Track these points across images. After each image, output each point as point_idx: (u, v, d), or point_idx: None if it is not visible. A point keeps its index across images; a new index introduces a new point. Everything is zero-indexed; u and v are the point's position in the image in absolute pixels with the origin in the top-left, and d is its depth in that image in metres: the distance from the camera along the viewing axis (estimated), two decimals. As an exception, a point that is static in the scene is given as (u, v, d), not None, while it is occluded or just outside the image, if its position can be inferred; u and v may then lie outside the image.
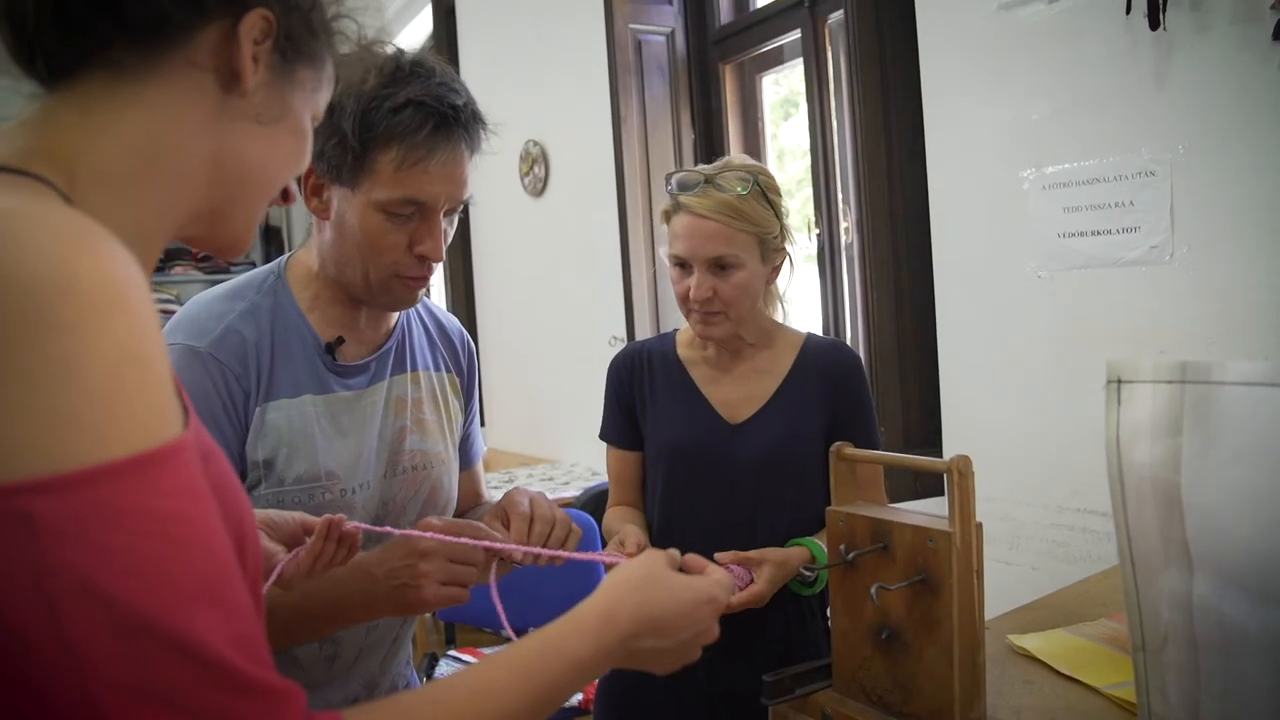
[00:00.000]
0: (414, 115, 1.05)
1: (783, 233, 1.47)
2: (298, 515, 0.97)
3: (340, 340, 1.16)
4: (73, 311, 0.48)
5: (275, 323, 1.13)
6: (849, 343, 2.69)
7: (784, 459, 1.47)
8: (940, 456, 2.12)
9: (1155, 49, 1.63)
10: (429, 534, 1.02)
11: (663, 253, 1.50)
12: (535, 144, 3.70)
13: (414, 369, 1.25)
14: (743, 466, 1.47)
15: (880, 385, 2.22)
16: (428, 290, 1.22)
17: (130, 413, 0.49)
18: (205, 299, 1.14)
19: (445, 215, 1.13)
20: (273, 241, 7.65)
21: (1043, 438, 1.89)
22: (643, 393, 1.57)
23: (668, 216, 1.48)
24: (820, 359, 1.50)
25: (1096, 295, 1.78)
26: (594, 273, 3.37)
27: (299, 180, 1.10)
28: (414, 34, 4.98)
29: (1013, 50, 1.88)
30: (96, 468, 0.47)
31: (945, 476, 0.97)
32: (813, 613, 1.50)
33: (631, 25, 3.08)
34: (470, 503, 1.41)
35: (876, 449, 1.49)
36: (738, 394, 1.51)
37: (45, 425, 0.47)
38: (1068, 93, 1.79)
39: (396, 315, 1.25)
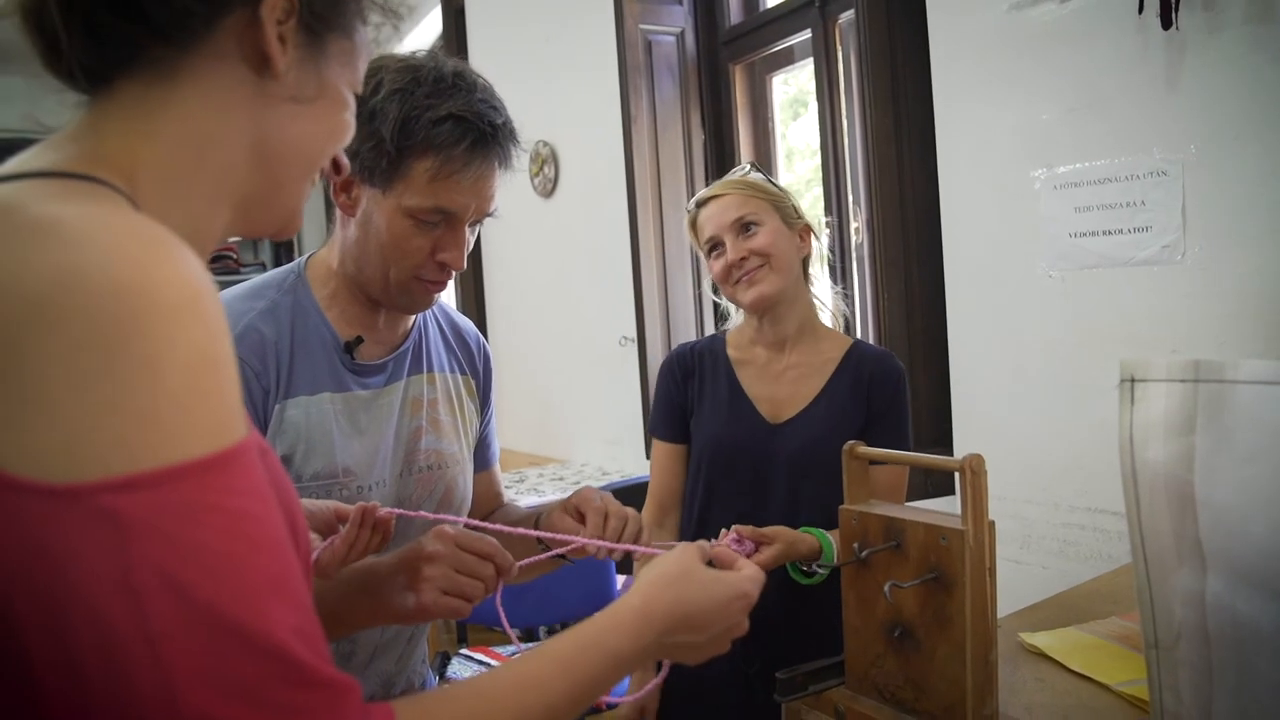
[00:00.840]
0: (454, 129, 1.07)
1: (796, 210, 1.57)
2: (331, 504, 0.97)
3: (359, 339, 1.17)
4: (154, 316, 0.49)
5: (295, 321, 1.14)
6: (859, 342, 2.70)
7: (821, 461, 1.48)
8: (951, 455, 2.11)
9: (1167, 49, 1.63)
10: (461, 520, 1.02)
11: (695, 256, 1.62)
12: (545, 144, 3.70)
13: (430, 370, 1.27)
14: (780, 466, 1.51)
15: (891, 385, 2.21)
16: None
17: (206, 414, 0.51)
18: (226, 297, 1.16)
19: (469, 226, 1.15)
20: (281, 241, 7.70)
21: (1053, 437, 1.89)
22: (696, 389, 1.62)
23: (693, 225, 1.59)
24: (866, 364, 1.54)
25: (1108, 295, 1.78)
26: (604, 273, 3.37)
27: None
28: (423, 34, 5.00)
29: (1024, 50, 1.89)
30: (177, 466, 0.49)
31: (958, 475, 0.98)
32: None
33: (641, 25, 3.08)
34: (491, 504, 1.42)
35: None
36: (782, 394, 1.55)
37: (129, 425, 0.48)
38: (1079, 93, 1.80)
39: (413, 317, 1.26)
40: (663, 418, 1.63)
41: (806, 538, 1.35)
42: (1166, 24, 1.59)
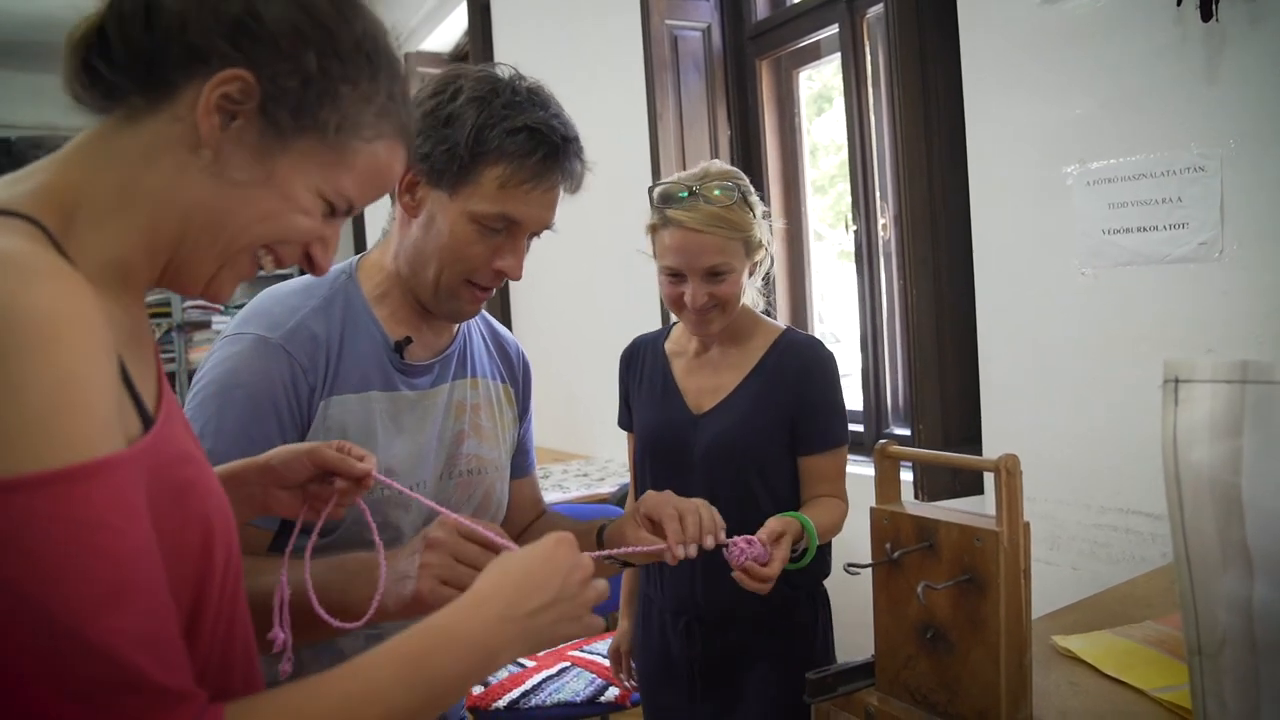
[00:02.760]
0: (529, 141, 1.10)
1: (758, 240, 1.55)
2: (303, 450, 0.94)
3: (408, 340, 1.19)
4: (18, 340, 0.53)
5: (346, 319, 1.16)
6: (888, 339, 2.69)
7: (738, 449, 1.53)
8: (979, 454, 2.10)
9: (1206, 42, 1.60)
10: (454, 517, 1.00)
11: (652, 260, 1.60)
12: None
13: (474, 375, 1.28)
14: (699, 454, 1.56)
15: (919, 382, 2.20)
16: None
17: (64, 430, 0.54)
18: (278, 293, 1.18)
19: (528, 238, 1.18)
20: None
21: (1085, 437, 1.86)
22: (636, 380, 1.70)
23: (655, 230, 1.56)
24: (787, 353, 1.56)
25: (1142, 293, 1.75)
26: (628, 270, 3.36)
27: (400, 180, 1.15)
28: (449, 31, 5.00)
29: (1056, 44, 1.86)
30: (26, 476, 0.52)
31: (993, 475, 0.97)
32: (793, 585, 1.55)
33: (667, 21, 3.07)
34: (532, 510, 1.44)
35: (837, 445, 1.57)
36: (707, 384, 1.60)
37: None
38: (1113, 87, 1.77)
39: (455, 331, 1.28)
40: (621, 409, 1.74)
41: (792, 522, 1.37)
42: (1206, 16, 1.56)
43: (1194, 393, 0.69)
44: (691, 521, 1.16)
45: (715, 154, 3.16)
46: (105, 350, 0.58)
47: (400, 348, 1.18)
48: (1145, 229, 1.73)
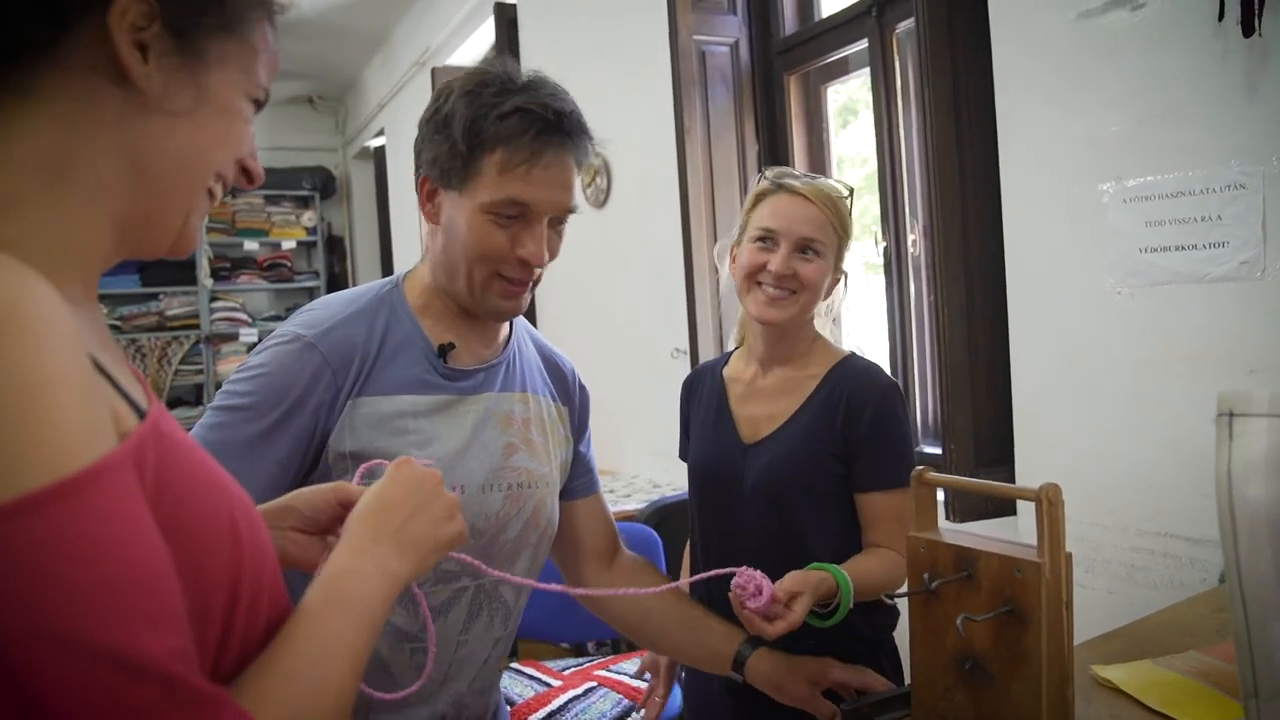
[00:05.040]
0: (520, 121, 1.10)
1: (846, 248, 1.52)
2: (328, 489, 0.90)
3: (451, 345, 1.19)
4: None
5: (389, 325, 1.18)
6: (917, 354, 2.66)
7: (787, 483, 1.43)
8: (1011, 475, 2.08)
9: (1248, 56, 1.57)
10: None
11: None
12: (598, 155, 3.66)
13: (524, 390, 1.28)
14: (749, 487, 1.46)
15: (950, 401, 2.17)
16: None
17: (39, 443, 0.48)
18: (330, 299, 1.22)
19: (552, 225, 1.17)
20: (335, 250, 7.81)
21: (1121, 458, 1.83)
22: (695, 409, 1.62)
23: (759, 199, 1.50)
24: (842, 381, 1.45)
25: (1181, 312, 1.72)
26: (656, 285, 3.36)
27: (418, 188, 1.18)
28: (477, 45, 5.03)
29: (1092, 59, 1.83)
30: (14, 501, 0.47)
31: (1035, 505, 0.95)
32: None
33: (696, 36, 3.06)
34: (602, 528, 1.42)
35: (892, 485, 1.40)
36: (760, 412, 1.51)
37: None
38: (1150, 103, 1.74)
39: (508, 334, 1.28)
40: (682, 441, 1.66)
41: (825, 577, 1.25)
42: (1248, 31, 1.53)
43: (1250, 427, 0.67)
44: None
45: (743, 169, 3.16)
46: (68, 341, 0.52)
47: (444, 351, 1.19)
48: (1184, 247, 1.70)
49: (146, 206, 0.64)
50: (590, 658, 2.59)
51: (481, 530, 1.19)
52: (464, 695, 1.23)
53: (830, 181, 1.51)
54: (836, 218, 1.47)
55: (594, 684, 2.31)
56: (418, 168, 1.19)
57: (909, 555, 1.05)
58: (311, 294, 7.16)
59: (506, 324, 1.29)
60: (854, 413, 1.42)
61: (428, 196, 1.18)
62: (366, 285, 1.24)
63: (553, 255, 1.18)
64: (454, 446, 1.18)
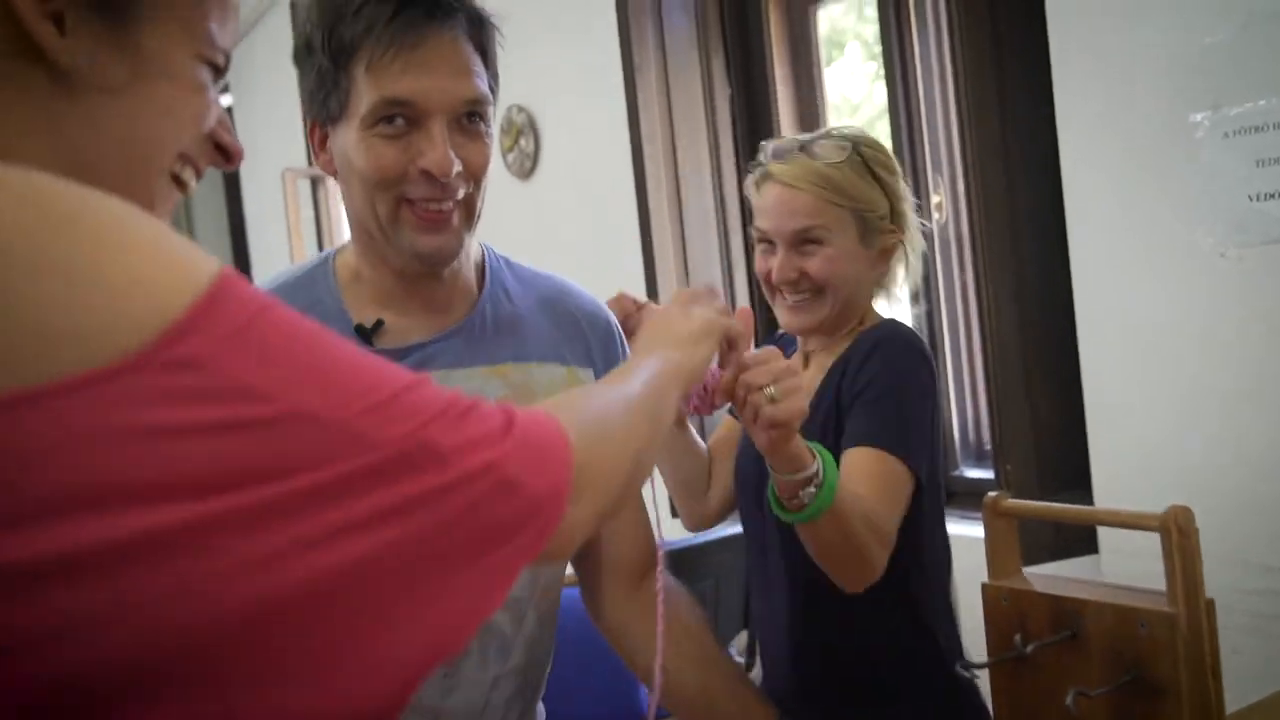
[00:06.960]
0: (375, 9, 1.16)
1: (894, 215, 1.55)
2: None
3: (379, 323, 1.25)
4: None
5: (309, 306, 1.21)
6: (950, 349, 2.67)
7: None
8: (1089, 499, 2.08)
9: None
10: None
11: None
12: (520, 110, 3.67)
13: (505, 360, 1.31)
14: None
15: (1002, 410, 2.18)
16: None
17: (172, 266, 0.57)
18: (267, 280, 1.35)
19: (461, 129, 1.21)
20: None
21: (1237, 472, 1.83)
22: None
23: (756, 188, 1.60)
24: (861, 342, 1.54)
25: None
26: (606, 268, 3.33)
27: (308, 139, 1.27)
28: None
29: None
30: (202, 299, 0.55)
31: (1161, 536, 0.91)
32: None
33: (645, -50, 3.08)
34: (633, 544, 1.38)
35: (868, 443, 1.43)
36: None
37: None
38: (1257, 3, 1.74)
39: (474, 301, 1.32)
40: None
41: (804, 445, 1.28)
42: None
43: None
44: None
45: (712, 118, 3.17)
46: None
47: (364, 331, 1.24)
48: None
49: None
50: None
51: None
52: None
53: (823, 143, 1.55)
54: (836, 193, 1.52)
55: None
56: (304, 117, 1.26)
57: (987, 609, 1.02)
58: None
59: (473, 278, 1.33)
60: (854, 362, 1.50)
61: (320, 144, 1.25)
62: (297, 264, 1.34)
63: (475, 165, 1.21)
64: None
